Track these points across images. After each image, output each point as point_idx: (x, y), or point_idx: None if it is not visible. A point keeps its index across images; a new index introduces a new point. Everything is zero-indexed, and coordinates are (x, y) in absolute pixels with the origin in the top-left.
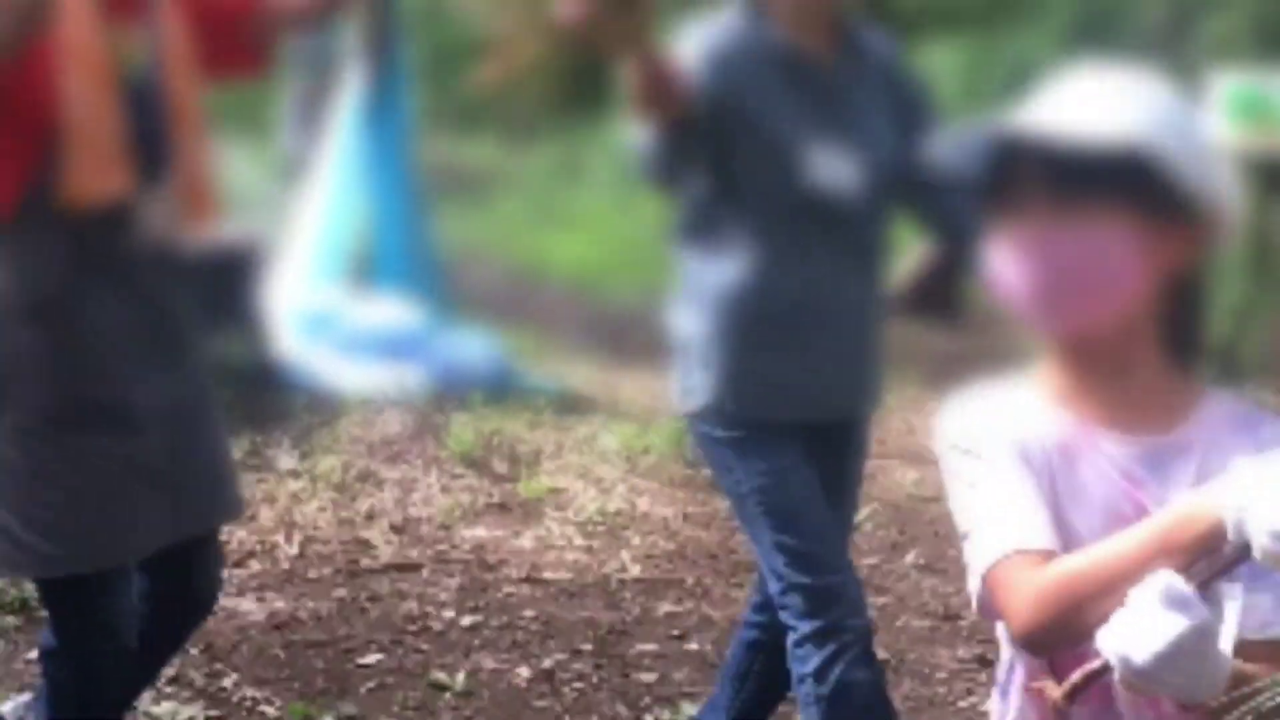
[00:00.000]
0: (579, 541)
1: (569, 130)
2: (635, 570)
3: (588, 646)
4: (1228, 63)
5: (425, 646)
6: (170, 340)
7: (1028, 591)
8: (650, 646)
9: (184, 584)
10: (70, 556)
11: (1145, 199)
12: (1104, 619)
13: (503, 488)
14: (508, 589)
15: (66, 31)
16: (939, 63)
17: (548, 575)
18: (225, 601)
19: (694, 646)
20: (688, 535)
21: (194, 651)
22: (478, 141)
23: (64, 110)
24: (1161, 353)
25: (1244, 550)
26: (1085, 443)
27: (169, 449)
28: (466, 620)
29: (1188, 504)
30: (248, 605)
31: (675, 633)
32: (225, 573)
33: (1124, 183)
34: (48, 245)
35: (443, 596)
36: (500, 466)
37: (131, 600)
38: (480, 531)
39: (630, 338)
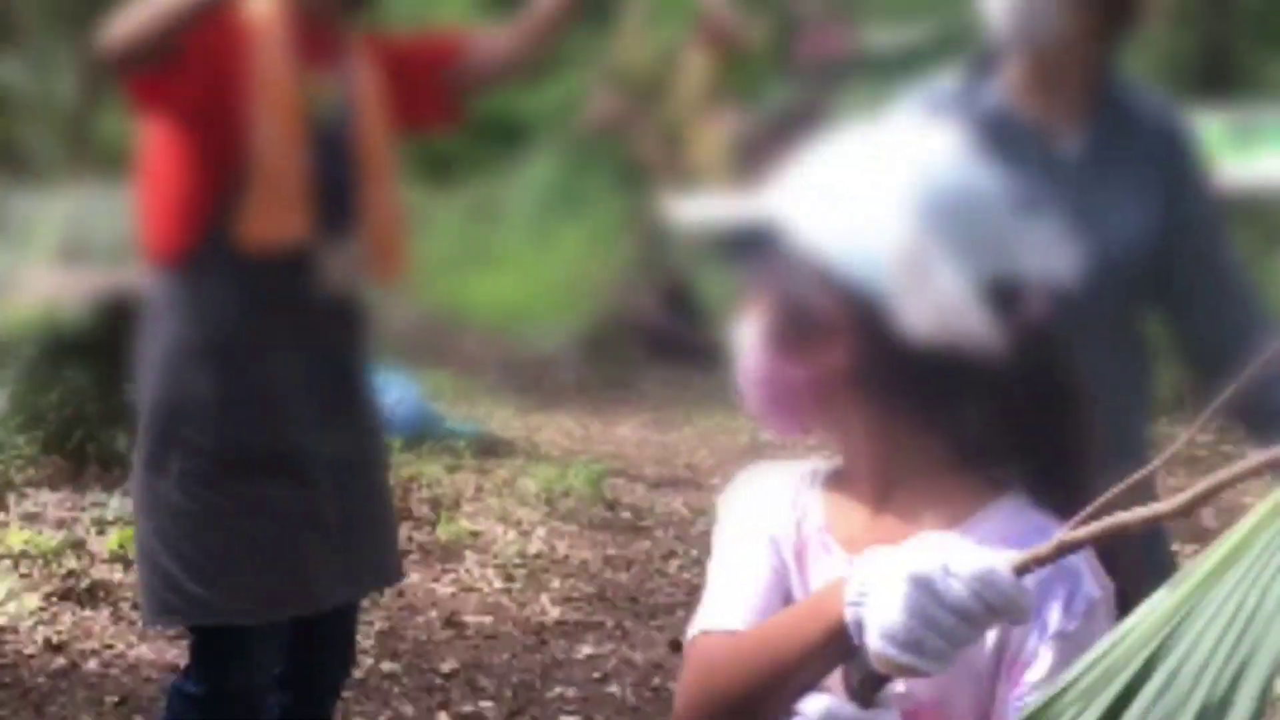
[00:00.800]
0: (499, 585)
1: (486, 169)
2: (555, 613)
3: (508, 692)
4: None
5: (345, 694)
6: (346, 392)
7: (688, 672)
8: (571, 690)
9: (319, 657)
10: (234, 606)
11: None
12: (761, 708)
13: (422, 532)
14: (428, 634)
15: (259, 71)
16: None
17: (468, 619)
18: (143, 649)
19: (614, 690)
20: (608, 578)
21: (110, 701)
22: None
23: (251, 151)
24: (950, 455)
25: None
26: (819, 547)
27: (339, 504)
28: (386, 666)
29: (823, 592)
30: (171, 651)
31: (596, 675)
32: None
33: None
34: (226, 288)
35: (363, 643)
36: (420, 510)
37: (273, 673)
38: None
39: (550, 380)
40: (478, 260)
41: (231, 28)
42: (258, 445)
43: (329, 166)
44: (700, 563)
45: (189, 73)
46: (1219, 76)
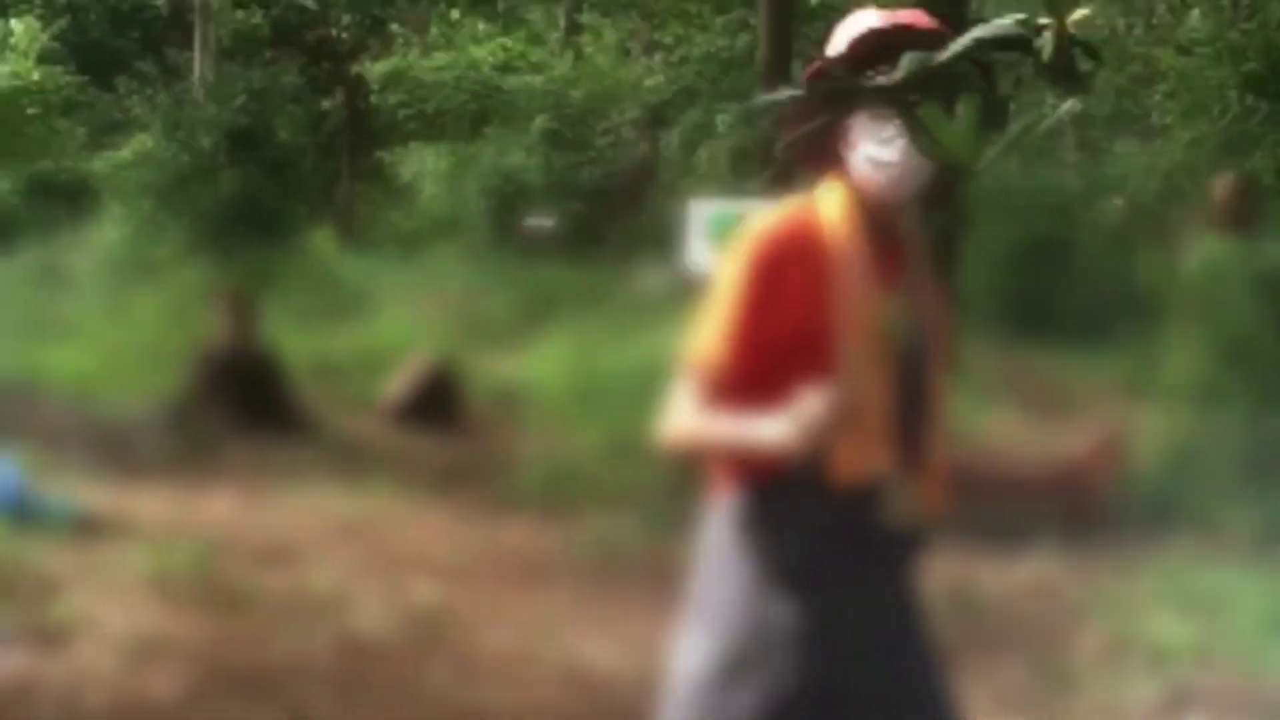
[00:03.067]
0: (113, 667)
1: (50, 234)
2: (172, 693)
3: None
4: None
5: None
6: (904, 625)
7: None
8: None
9: None
10: None
11: None
12: None
13: (31, 614)
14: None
15: (844, 303)
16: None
17: (88, 701)
18: None
19: None
20: (219, 657)
21: None
22: None
23: (839, 383)
24: None
25: None
26: None
27: None
28: None
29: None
30: None
31: None
32: None
33: None
34: (806, 515)
35: None
36: (26, 594)
37: None
38: (11, 661)
39: (135, 451)
40: (48, 328)
41: (816, 251)
42: (825, 678)
43: (906, 395)
44: (306, 636)
45: (783, 313)
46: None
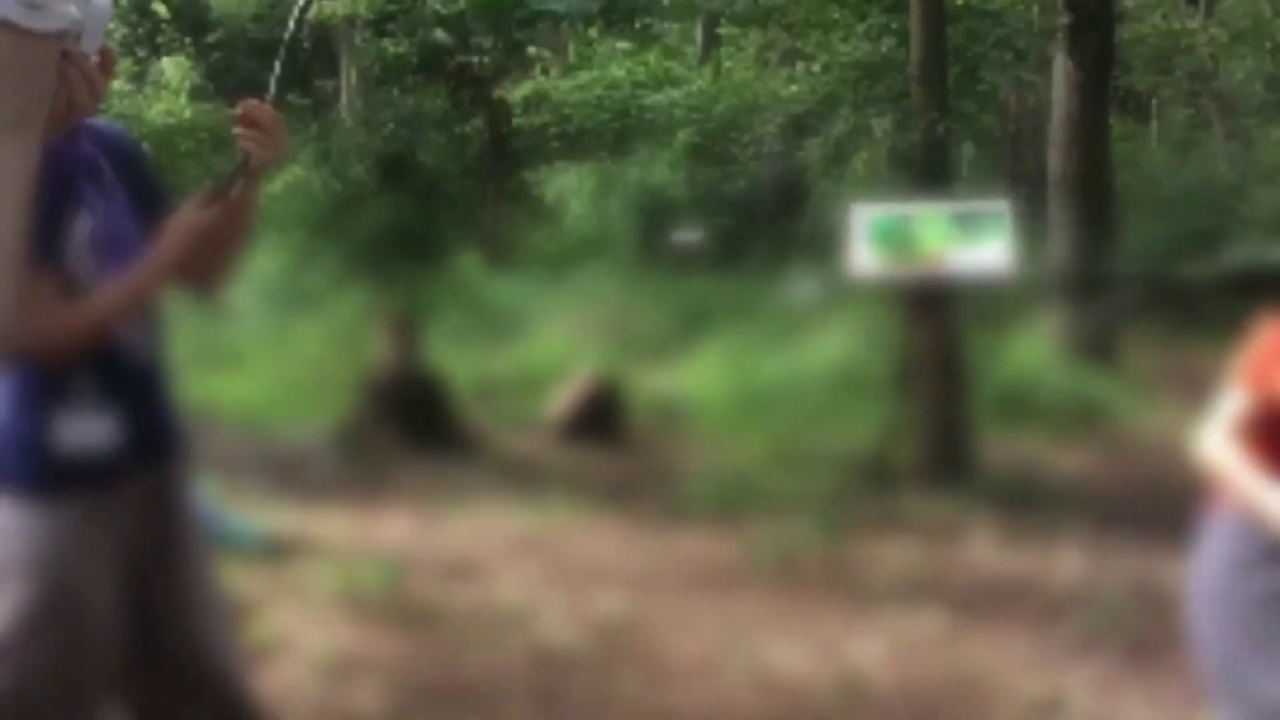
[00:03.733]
0: (314, 684)
1: None
2: (375, 709)
3: None
4: (869, 195)
5: None
6: None
7: None
8: None
9: None
10: None
11: None
12: None
13: None
14: None
15: None
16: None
17: (293, 718)
18: None
19: None
20: (414, 672)
21: None
22: None
23: None
24: None
25: None
26: None
27: None
28: None
29: None
30: None
31: None
32: None
33: None
34: None
35: None
36: None
37: None
38: None
39: (309, 476)
40: (214, 359)
41: None
42: None
43: None
44: (498, 650)
45: None
46: (940, 172)
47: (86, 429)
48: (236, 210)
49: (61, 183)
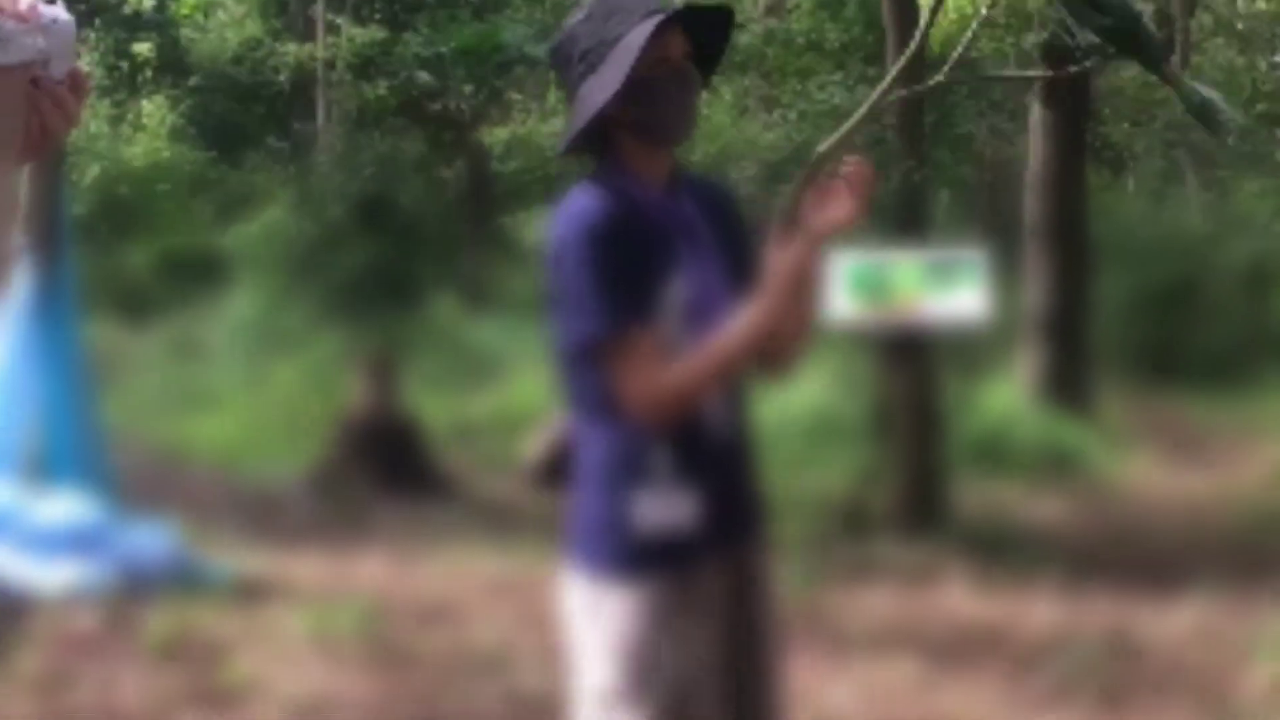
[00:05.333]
0: None
1: (185, 308)
2: None
3: None
4: (844, 242)
5: None
6: None
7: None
8: None
9: None
10: None
11: None
12: None
13: (202, 678)
14: None
15: None
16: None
17: None
18: None
19: None
20: (391, 716)
21: None
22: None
23: None
24: None
25: None
26: None
27: None
28: None
29: None
30: None
31: None
32: None
33: None
34: None
35: None
36: (195, 657)
37: None
38: None
39: (284, 518)
40: (189, 400)
41: None
42: None
43: None
44: (473, 694)
45: None
46: (916, 220)
47: (666, 507)
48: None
49: (662, 243)
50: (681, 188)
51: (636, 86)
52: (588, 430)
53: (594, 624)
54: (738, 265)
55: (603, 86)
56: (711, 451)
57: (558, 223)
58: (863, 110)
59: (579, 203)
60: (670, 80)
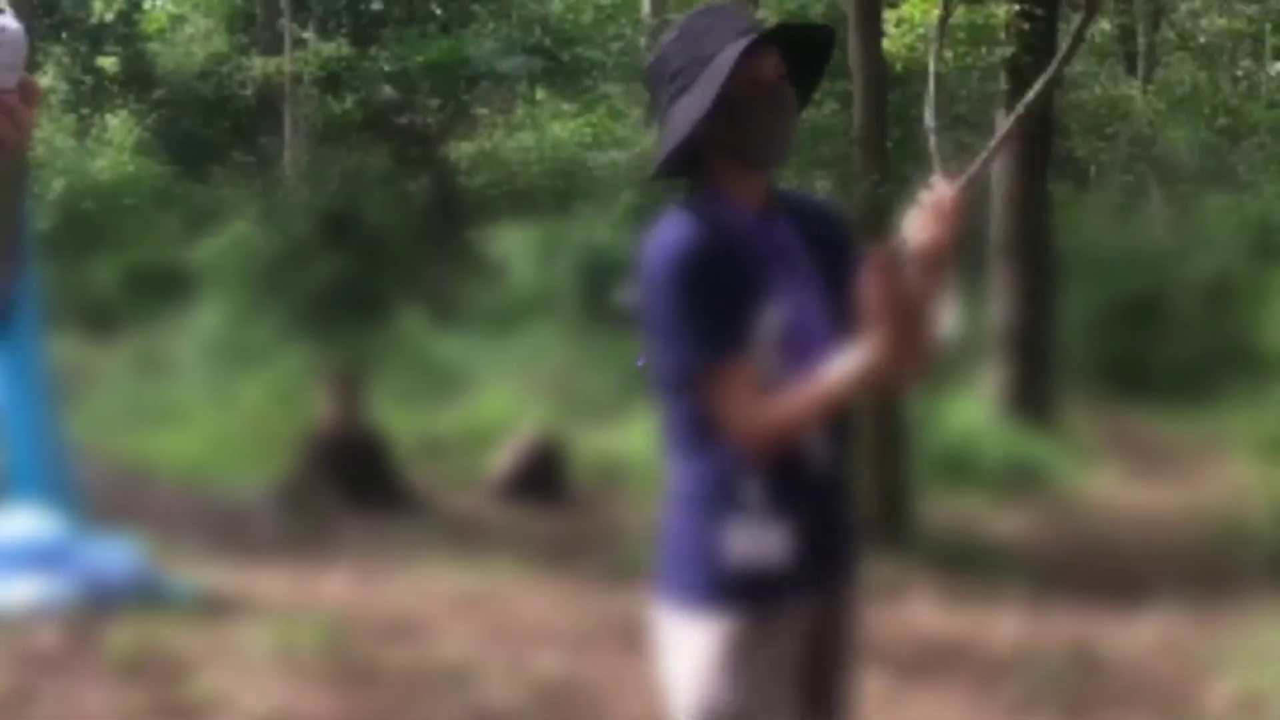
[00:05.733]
0: None
1: (150, 322)
2: None
3: None
4: None
5: None
6: None
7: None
8: None
9: None
10: None
11: None
12: None
13: (165, 694)
14: None
15: None
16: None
17: None
18: None
19: None
20: None
21: None
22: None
23: None
24: None
25: None
26: None
27: None
28: None
29: None
30: None
31: None
32: None
33: None
34: None
35: None
36: (158, 673)
37: None
38: None
39: (249, 533)
40: (154, 414)
41: None
42: None
43: None
44: (437, 709)
45: None
46: (881, 234)
47: (757, 540)
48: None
49: (755, 270)
50: (780, 210)
51: (728, 107)
52: (681, 461)
53: (679, 654)
54: (842, 289)
55: (693, 107)
56: (808, 484)
57: (649, 250)
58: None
59: (669, 230)
60: (763, 101)
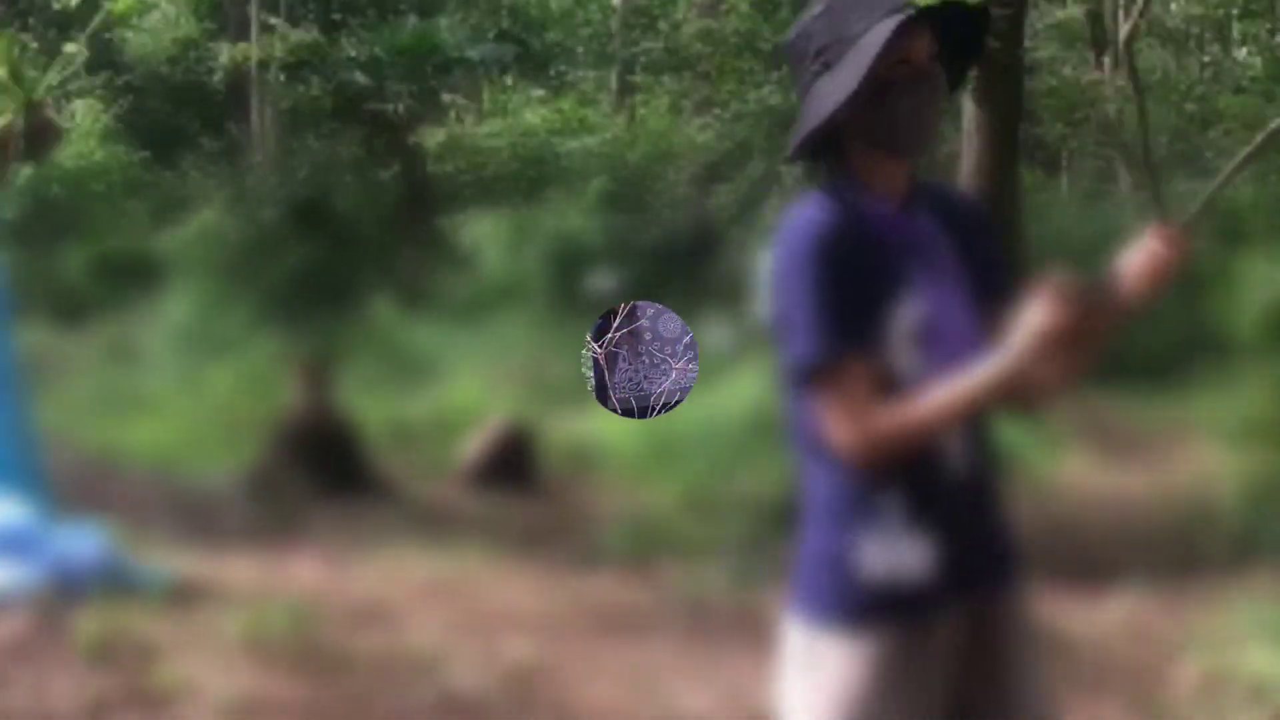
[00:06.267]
0: None
1: (119, 311)
2: None
3: None
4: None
5: None
6: None
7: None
8: None
9: None
10: None
11: None
12: None
13: (133, 680)
14: None
15: None
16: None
17: None
18: None
19: None
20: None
21: None
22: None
23: None
24: None
25: None
26: None
27: None
28: None
29: None
30: None
31: None
32: None
33: None
34: None
35: None
36: (127, 660)
37: None
38: None
39: (219, 521)
40: (124, 403)
41: None
42: None
43: None
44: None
45: None
46: None
47: (895, 554)
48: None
49: (891, 262)
50: (922, 202)
51: (874, 89)
52: (812, 464)
53: (809, 674)
54: (986, 287)
55: (837, 88)
56: (949, 493)
57: (780, 236)
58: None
59: (803, 216)
60: (911, 84)
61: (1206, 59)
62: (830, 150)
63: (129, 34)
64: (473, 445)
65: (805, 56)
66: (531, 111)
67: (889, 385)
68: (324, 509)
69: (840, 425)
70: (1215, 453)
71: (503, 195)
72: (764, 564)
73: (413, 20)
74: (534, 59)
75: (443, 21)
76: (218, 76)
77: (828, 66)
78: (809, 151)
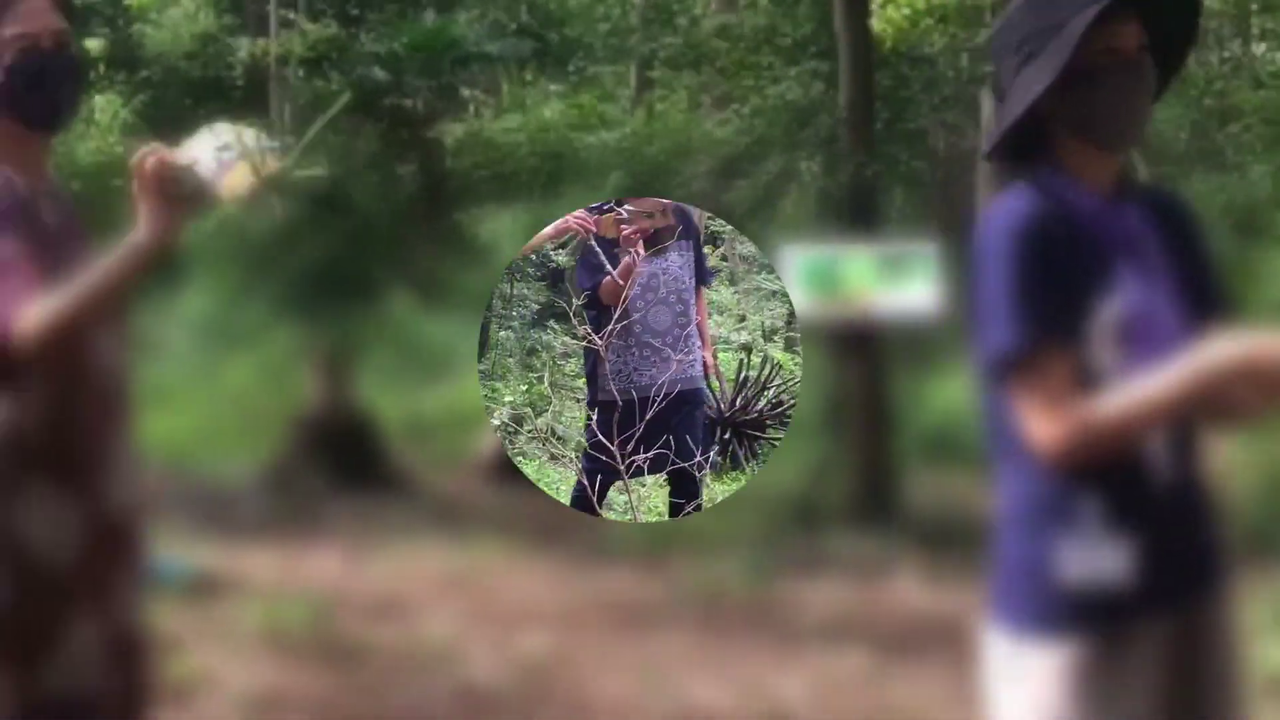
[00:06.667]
0: None
1: (138, 304)
2: None
3: None
4: (797, 236)
5: None
6: None
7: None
8: None
9: None
10: None
11: None
12: None
13: None
14: None
15: None
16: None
17: None
18: None
19: None
20: (338, 710)
21: None
22: None
23: None
24: None
25: None
26: None
27: None
28: None
29: None
30: None
31: None
32: None
33: None
34: None
35: None
36: None
37: None
38: None
39: (237, 514)
40: (142, 396)
41: None
42: None
43: None
44: (423, 688)
45: None
46: (868, 215)
47: (1096, 559)
48: None
49: (1097, 255)
50: (1131, 198)
51: (1078, 79)
52: (1007, 462)
53: (1014, 685)
54: (1195, 292)
55: (1039, 77)
56: (1153, 496)
57: (984, 224)
58: None
59: (1008, 204)
60: (1118, 73)
61: (1226, 54)
62: (1036, 145)
63: (148, 29)
64: (489, 438)
65: (1009, 48)
66: (550, 107)
67: (1087, 385)
68: (342, 502)
69: (1040, 420)
70: (1230, 445)
71: (521, 190)
72: (778, 557)
73: (431, 15)
74: (553, 54)
75: (461, 17)
76: (237, 72)
77: (1031, 56)
78: (1010, 149)
